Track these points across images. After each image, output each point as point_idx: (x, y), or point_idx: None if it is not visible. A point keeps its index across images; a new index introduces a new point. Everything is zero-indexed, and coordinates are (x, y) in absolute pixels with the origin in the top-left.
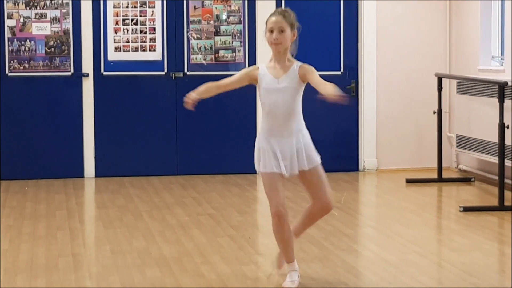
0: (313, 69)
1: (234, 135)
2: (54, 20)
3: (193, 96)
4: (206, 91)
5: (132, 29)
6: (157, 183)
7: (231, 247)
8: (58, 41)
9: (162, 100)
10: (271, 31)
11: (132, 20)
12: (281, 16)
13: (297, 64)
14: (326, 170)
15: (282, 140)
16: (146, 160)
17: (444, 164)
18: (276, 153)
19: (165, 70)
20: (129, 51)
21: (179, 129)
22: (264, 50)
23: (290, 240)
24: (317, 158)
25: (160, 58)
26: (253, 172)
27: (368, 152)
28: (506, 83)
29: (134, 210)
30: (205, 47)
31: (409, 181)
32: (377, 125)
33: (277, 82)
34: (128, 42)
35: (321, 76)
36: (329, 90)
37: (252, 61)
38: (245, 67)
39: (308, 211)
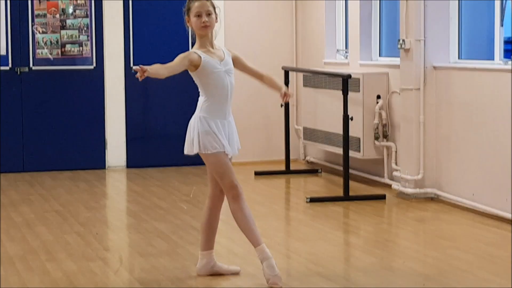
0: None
1: (82, 130)
2: None
3: (145, 69)
4: (157, 72)
5: None
6: (2, 181)
7: (78, 243)
8: None
9: (6, 96)
10: (199, 16)
11: None
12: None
13: (222, 47)
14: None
15: (224, 122)
16: None
17: (292, 156)
18: (223, 134)
19: (10, 65)
20: None
21: (25, 125)
22: (110, 43)
23: (252, 220)
24: None
25: (4, 52)
26: (102, 167)
27: None
28: (349, 76)
29: None
30: (51, 41)
31: (257, 173)
32: None
33: (224, 65)
34: None
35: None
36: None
37: (100, 55)
38: (92, 61)
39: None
